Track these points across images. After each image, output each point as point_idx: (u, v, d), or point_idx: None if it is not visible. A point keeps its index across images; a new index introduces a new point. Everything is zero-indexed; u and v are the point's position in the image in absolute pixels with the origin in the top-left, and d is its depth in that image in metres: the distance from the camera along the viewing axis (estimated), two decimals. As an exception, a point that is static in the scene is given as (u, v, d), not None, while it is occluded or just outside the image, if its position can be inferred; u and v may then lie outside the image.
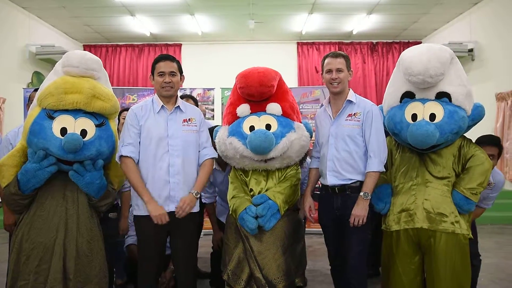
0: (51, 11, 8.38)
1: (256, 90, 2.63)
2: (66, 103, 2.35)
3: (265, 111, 2.68)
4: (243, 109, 2.71)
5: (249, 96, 2.69)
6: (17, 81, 7.77)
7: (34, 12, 8.42)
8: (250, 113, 2.70)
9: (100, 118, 2.50)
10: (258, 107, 2.70)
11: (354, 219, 2.48)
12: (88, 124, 2.43)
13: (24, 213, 2.38)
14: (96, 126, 2.45)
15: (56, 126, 2.34)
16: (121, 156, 2.49)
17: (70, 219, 2.39)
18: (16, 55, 8.03)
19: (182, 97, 3.17)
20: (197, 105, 3.47)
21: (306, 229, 3.52)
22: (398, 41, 10.36)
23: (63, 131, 2.33)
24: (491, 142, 3.06)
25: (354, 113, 2.63)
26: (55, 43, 8.76)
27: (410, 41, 9.94)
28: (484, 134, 3.28)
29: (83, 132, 2.38)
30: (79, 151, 2.31)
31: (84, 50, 10.40)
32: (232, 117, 2.76)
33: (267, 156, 2.58)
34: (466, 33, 8.35)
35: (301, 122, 2.79)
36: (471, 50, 8.04)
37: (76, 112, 2.40)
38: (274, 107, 2.68)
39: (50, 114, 2.35)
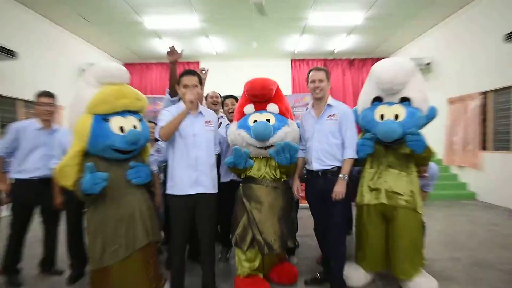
0: (98, 37, 8.43)
1: (259, 92, 2.70)
2: (118, 106, 2.35)
3: (265, 109, 2.73)
4: (249, 108, 2.77)
5: (254, 97, 2.75)
6: (72, 92, 7.72)
7: (85, 38, 8.48)
8: (254, 111, 2.75)
9: (138, 115, 2.52)
10: (260, 106, 2.75)
11: (336, 195, 2.52)
12: (135, 121, 2.44)
13: (97, 200, 2.30)
14: (139, 120, 2.49)
15: (113, 126, 2.32)
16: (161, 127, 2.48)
17: (137, 197, 2.43)
18: (71, 72, 8.01)
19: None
20: None
21: (300, 204, 3.54)
22: (371, 57, 10.33)
23: (121, 129, 2.34)
24: None
25: (333, 114, 2.65)
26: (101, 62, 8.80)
27: (381, 57, 9.84)
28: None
29: (135, 127, 2.41)
30: (136, 143, 2.38)
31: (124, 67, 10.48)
32: (240, 115, 2.81)
33: (266, 143, 2.63)
34: (425, 50, 8.34)
35: (293, 121, 2.83)
36: (428, 64, 8.02)
37: (123, 112, 2.40)
38: (273, 107, 2.74)
39: (104, 118, 2.32)
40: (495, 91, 6.29)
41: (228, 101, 3.43)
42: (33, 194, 2.99)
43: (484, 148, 6.56)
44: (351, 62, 10.44)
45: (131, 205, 2.39)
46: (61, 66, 7.65)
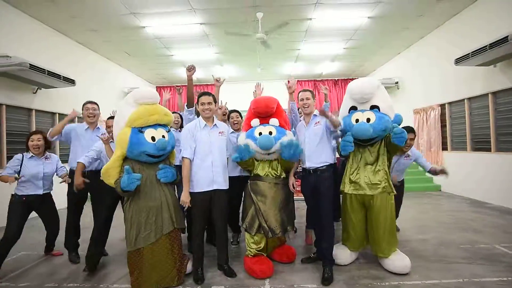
0: (136, 67, 8.50)
1: (263, 110, 2.69)
2: (150, 121, 2.38)
3: (268, 123, 2.70)
4: (255, 121, 2.73)
5: (258, 114, 2.72)
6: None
7: (127, 68, 8.54)
8: (259, 124, 2.71)
9: (166, 127, 2.51)
10: (264, 120, 2.72)
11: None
12: (164, 132, 2.44)
13: (133, 194, 2.32)
14: (167, 131, 2.48)
15: (147, 136, 2.35)
16: (183, 157, 2.48)
17: (164, 192, 2.41)
18: (116, 95, 8.06)
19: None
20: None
21: (295, 197, 3.45)
22: (352, 77, 10.19)
23: (153, 138, 2.35)
24: (410, 130, 3.15)
25: (318, 122, 2.67)
26: (139, 86, 8.79)
27: (360, 77, 9.77)
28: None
29: (163, 137, 2.40)
30: (164, 149, 2.37)
31: (157, 90, 10.49)
32: (247, 127, 2.78)
33: (269, 151, 2.60)
34: (394, 71, 8.23)
35: (290, 131, 2.78)
36: (397, 82, 7.91)
37: (155, 125, 2.41)
38: (274, 121, 2.71)
39: (140, 130, 2.35)
40: (450, 103, 6.18)
41: (233, 114, 3.39)
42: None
43: (444, 148, 6.40)
44: (335, 82, 10.36)
45: (159, 198, 2.38)
46: (108, 90, 7.70)
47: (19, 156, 2.84)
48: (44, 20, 5.41)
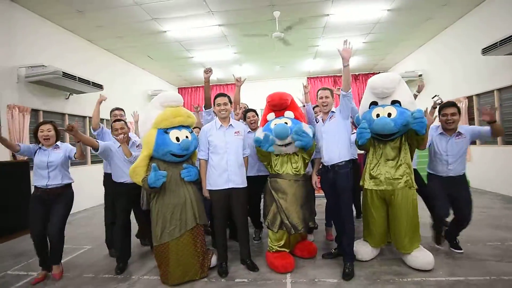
0: (159, 70, 8.75)
1: (278, 102, 2.70)
2: (175, 122, 2.48)
3: (283, 116, 2.72)
4: (271, 115, 2.76)
5: (273, 107, 2.75)
6: (142, 112, 8.06)
7: (150, 71, 8.82)
8: (275, 117, 2.74)
9: (189, 128, 2.61)
10: (279, 114, 2.74)
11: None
12: (187, 133, 2.54)
13: (158, 192, 2.44)
14: (190, 132, 2.58)
15: (172, 137, 2.45)
16: (199, 158, 2.61)
17: (188, 190, 2.50)
18: (140, 97, 8.38)
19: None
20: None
21: (317, 194, 3.46)
22: (372, 72, 9.95)
23: (177, 139, 2.46)
24: (451, 104, 2.74)
25: (333, 116, 2.68)
26: (162, 88, 9.10)
27: (380, 71, 9.52)
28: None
29: (187, 137, 2.50)
30: (187, 149, 2.47)
31: (178, 91, 10.69)
32: (264, 122, 2.80)
33: (285, 141, 2.59)
34: (417, 64, 7.95)
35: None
36: (420, 75, 7.64)
37: (179, 127, 2.52)
38: (289, 113, 2.72)
39: (165, 131, 2.47)
40: (478, 95, 5.89)
41: (249, 114, 3.42)
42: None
43: (473, 143, 6.10)
44: (356, 77, 10.12)
45: (184, 196, 2.47)
46: (134, 93, 8.02)
47: (34, 146, 2.73)
48: (74, 30, 5.76)
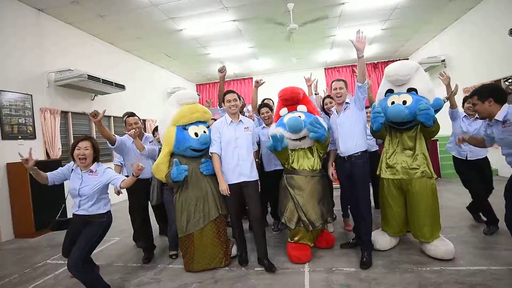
0: (177, 67, 8.92)
1: (289, 96, 2.72)
2: (192, 119, 2.60)
3: (296, 110, 2.74)
4: (283, 111, 2.78)
5: (285, 102, 2.76)
6: (161, 110, 8.32)
7: (169, 69, 9.01)
8: (288, 112, 2.76)
9: (206, 123, 2.71)
10: (292, 108, 2.76)
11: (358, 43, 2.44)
12: (205, 128, 2.65)
13: (181, 186, 2.54)
14: (207, 127, 2.69)
15: (191, 132, 2.56)
16: (211, 152, 2.61)
17: (208, 181, 2.60)
18: (161, 95, 8.60)
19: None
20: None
21: (334, 185, 3.45)
22: (392, 59, 9.62)
23: (196, 134, 2.56)
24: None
25: (348, 107, 2.65)
26: (180, 86, 9.30)
27: (400, 58, 9.20)
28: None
29: (204, 132, 2.60)
30: (206, 143, 2.57)
31: (196, 88, 10.91)
32: (277, 118, 2.83)
33: (299, 135, 2.60)
34: (439, 49, 7.61)
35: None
36: (443, 60, 7.31)
37: (196, 123, 2.63)
38: (302, 107, 2.73)
39: (184, 127, 2.58)
40: (506, 78, 5.55)
41: (263, 109, 3.44)
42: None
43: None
44: (375, 65, 9.85)
45: (205, 188, 2.58)
46: (153, 91, 8.25)
47: (70, 165, 2.30)
48: (96, 34, 6.02)
